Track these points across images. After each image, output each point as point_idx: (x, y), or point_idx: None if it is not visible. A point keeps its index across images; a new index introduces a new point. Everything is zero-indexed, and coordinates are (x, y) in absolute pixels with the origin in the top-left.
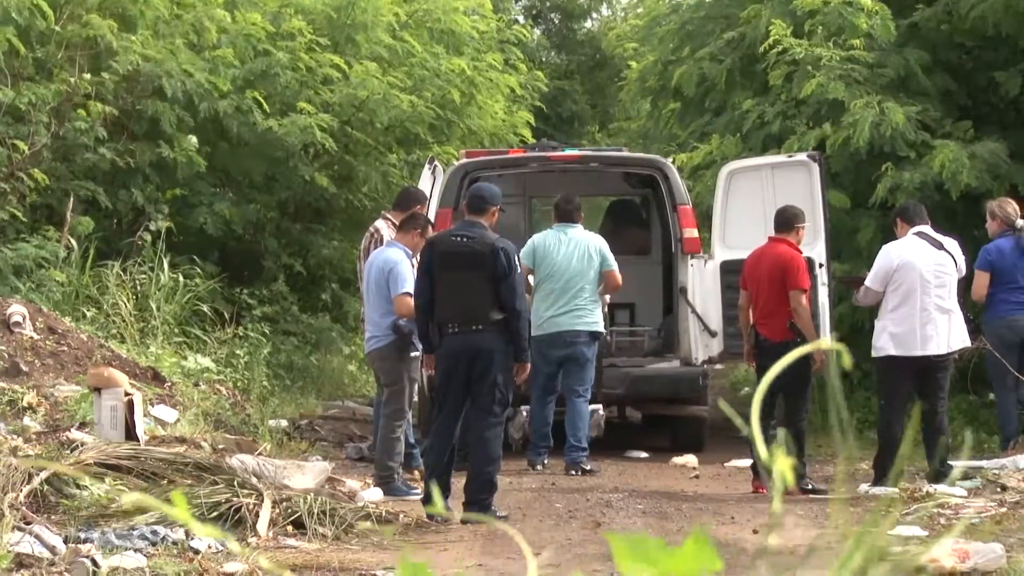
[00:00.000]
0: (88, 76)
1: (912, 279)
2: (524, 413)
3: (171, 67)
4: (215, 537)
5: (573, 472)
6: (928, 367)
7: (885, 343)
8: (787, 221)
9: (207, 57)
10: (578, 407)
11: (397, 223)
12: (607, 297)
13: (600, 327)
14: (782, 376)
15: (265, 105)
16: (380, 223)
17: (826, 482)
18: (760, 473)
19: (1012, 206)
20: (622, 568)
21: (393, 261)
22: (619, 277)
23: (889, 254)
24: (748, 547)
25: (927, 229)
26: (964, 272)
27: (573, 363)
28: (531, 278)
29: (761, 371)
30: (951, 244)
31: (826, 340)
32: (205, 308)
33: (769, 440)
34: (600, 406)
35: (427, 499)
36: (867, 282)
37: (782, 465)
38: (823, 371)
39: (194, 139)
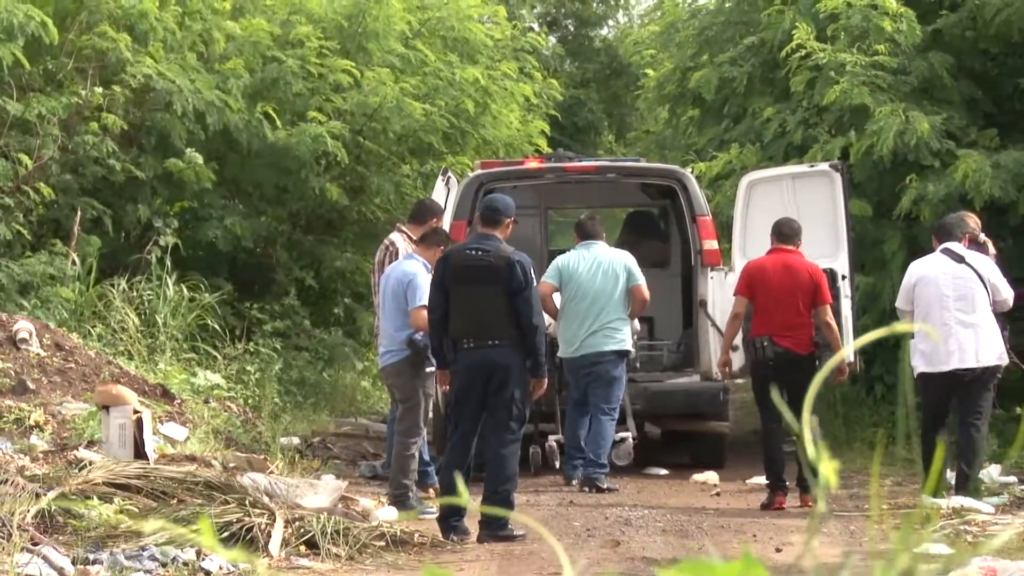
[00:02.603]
0: (99, 89)
1: (929, 294)
2: (552, 443)
3: (182, 84)
4: (239, 561)
5: (588, 489)
6: (962, 383)
7: (917, 361)
8: (795, 232)
9: (216, 69)
10: (603, 425)
11: (412, 236)
12: (635, 323)
13: (628, 345)
14: (799, 388)
15: (278, 120)
16: (395, 236)
17: (852, 499)
18: (777, 489)
19: (975, 220)
20: None
21: (412, 274)
22: (646, 292)
23: (910, 272)
24: (772, 566)
25: (953, 245)
26: (1003, 293)
27: (598, 380)
28: (557, 298)
29: (785, 383)
30: (978, 259)
31: (849, 352)
32: (214, 323)
33: (783, 460)
34: (630, 434)
35: (443, 517)
36: (896, 303)
37: (826, 467)
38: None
39: (198, 155)
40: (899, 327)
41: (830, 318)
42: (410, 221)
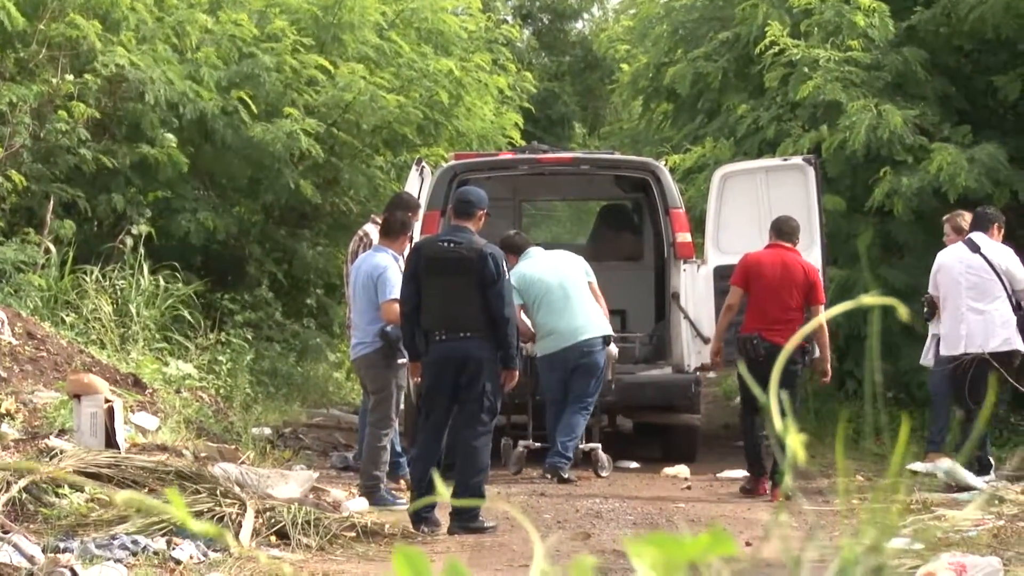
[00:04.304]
0: (71, 77)
1: (947, 282)
2: (522, 448)
3: (154, 74)
4: (211, 534)
5: (549, 477)
6: (974, 367)
7: (940, 344)
8: (793, 231)
9: (189, 58)
10: (577, 418)
11: None
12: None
13: (609, 328)
14: (786, 382)
15: (252, 106)
16: (369, 227)
17: (820, 495)
18: (761, 475)
19: (966, 218)
20: (635, 556)
21: (382, 267)
22: (598, 290)
23: (936, 259)
24: (741, 559)
25: (976, 235)
26: (1021, 283)
27: (584, 372)
28: (525, 317)
29: (765, 377)
30: (994, 249)
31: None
32: (186, 313)
33: (763, 447)
34: (599, 445)
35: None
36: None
37: (793, 441)
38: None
39: (172, 137)
40: (866, 299)
41: (820, 317)
42: (385, 213)
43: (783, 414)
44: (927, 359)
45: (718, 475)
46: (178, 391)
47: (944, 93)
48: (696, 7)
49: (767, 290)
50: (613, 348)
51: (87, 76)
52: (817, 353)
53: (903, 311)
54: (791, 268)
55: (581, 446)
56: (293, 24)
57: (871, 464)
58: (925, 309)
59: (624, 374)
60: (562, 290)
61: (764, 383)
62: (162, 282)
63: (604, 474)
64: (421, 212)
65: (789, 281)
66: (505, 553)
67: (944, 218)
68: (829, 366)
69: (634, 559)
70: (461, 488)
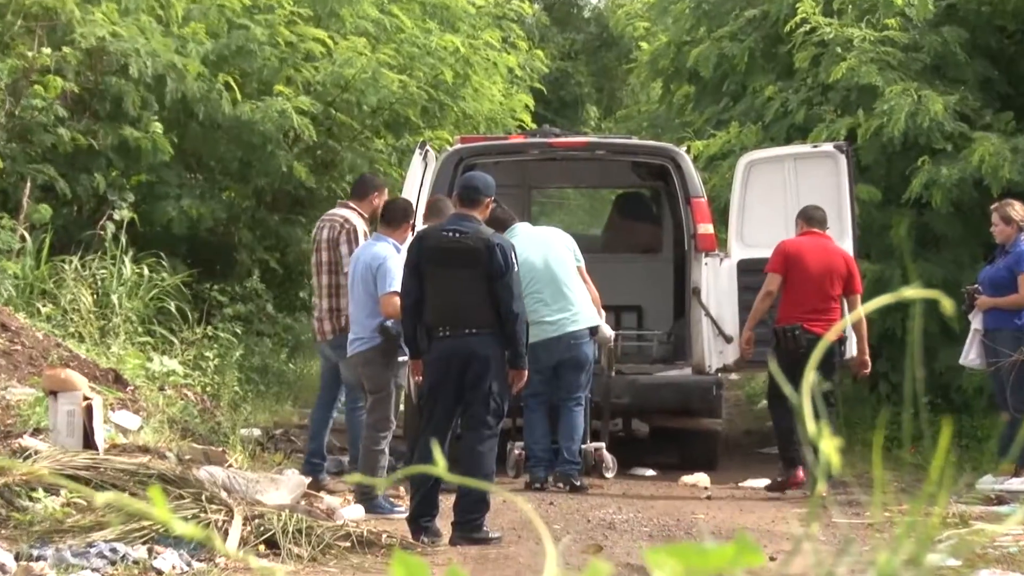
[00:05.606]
0: (47, 50)
1: None
2: (518, 451)
3: (139, 45)
4: (196, 537)
5: (562, 486)
6: None
7: None
8: (824, 219)
9: (175, 33)
10: (574, 416)
11: (363, 213)
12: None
13: (597, 319)
14: (825, 374)
15: (237, 92)
16: (348, 213)
17: (852, 506)
18: (797, 463)
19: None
20: (655, 566)
21: (382, 257)
22: (586, 275)
23: None
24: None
25: None
26: None
27: (572, 366)
28: None
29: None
30: None
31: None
32: (171, 306)
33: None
34: (603, 444)
35: (413, 517)
36: None
37: (828, 447)
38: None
39: (159, 125)
40: (907, 292)
41: (860, 307)
42: (353, 197)
43: (817, 416)
44: (968, 359)
45: (740, 484)
46: (162, 388)
47: (986, 76)
48: None
49: (808, 279)
50: (607, 329)
51: (66, 49)
52: (854, 346)
53: (947, 304)
54: (832, 256)
55: (583, 446)
56: None
57: (907, 475)
58: (964, 301)
59: (640, 375)
60: (549, 275)
61: (802, 375)
62: (146, 271)
63: (609, 475)
64: (423, 198)
65: (830, 269)
66: (511, 565)
67: (992, 207)
68: (868, 358)
69: (654, 570)
70: (464, 497)
